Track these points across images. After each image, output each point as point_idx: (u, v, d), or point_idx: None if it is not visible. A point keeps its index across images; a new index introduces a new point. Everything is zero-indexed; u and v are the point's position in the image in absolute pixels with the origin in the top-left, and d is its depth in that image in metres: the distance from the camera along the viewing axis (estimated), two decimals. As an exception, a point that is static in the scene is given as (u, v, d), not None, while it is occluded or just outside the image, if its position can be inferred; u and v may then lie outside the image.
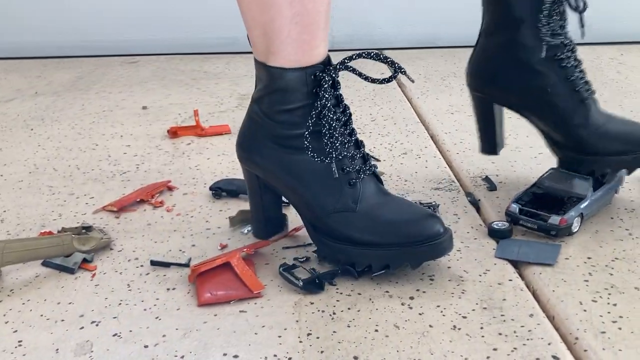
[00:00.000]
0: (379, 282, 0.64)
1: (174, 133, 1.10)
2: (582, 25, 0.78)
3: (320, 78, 0.64)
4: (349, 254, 0.64)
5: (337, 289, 0.64)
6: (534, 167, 0.90)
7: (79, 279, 0.67)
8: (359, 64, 0.67)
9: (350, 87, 1.41)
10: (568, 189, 0.74)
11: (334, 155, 0.65)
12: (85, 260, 0.69)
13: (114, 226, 0.78)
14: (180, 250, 0.71)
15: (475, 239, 0.72)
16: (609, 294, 0.61)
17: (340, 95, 0.67)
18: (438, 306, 0.60)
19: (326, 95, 0.64)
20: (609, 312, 0.58)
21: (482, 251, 0.69)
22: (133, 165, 0.98)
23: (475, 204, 0.82)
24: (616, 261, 0.66)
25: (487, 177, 0.88)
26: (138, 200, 0.84)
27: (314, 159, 0.65)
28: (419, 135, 1.09)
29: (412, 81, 0.67)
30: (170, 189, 0.88)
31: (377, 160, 0.98)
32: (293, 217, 0.77)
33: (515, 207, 0.73)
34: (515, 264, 0.67)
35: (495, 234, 0.72)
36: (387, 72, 1.45)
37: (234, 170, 0.94)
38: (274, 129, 0.67)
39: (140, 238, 0.75)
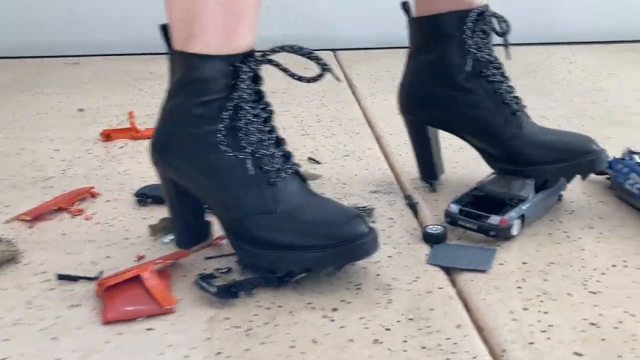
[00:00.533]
0: (302, 293, 0.60)
1: (107, 136, 1.05)
2: (506, 47, 0.78)
3: (240, 69, 0.60)
4: (268, 258, 0.60)
5: (258, 301, 0.59)
6: (475, 168, 0.88)
7: (-23, 295, 0.61)
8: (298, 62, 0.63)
9: (298, 87, 1.37)
10: (509, 191, 0.72)
11: (249, 151, 0.61)
12: (-15, 276, 0.63)
13: (25, 237, 0.72)
14: (92, 263, 0.66)
15: (409, 244, 0.69)
16: (541, 301, 0.58)
17: (262, 91, 0.64)
18: (361, 318, 0.56)
19: (244, 87, 0.60)
20: (539, 321, 0.55)
21: (415, 257, 0.66)
22: (59, 170, 0.92)
23: (413, 207, 0.78)
24: (551, 266, 0.63)
25: (427, 179, 0.85)
26: (56, 208, 0.78)
27: (228, 154, 0.61)
28: (364, 136, 1.05)
29: (339, 80, 0.63)
30: (93, 195, 0.83)
31: (317, 162, 0.94)
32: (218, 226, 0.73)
33: (454, 208, 0.70)
34: (448, 271, 0.64)
35: (429, 238, 0.69)
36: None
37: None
38: (188, 125, 0.62)
39: (51, 250, 0.69)
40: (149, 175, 0.89)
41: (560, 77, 1.42)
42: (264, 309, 0.58)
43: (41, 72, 1.51)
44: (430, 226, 0.70)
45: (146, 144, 1.03)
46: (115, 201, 0.81)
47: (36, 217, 0.76)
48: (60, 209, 0.78)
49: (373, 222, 0.74)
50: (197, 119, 0.62)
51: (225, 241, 0.69)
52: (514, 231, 0.68)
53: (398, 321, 0.56)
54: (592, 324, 0.54)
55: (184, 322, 0.56)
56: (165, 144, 0.64)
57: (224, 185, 0.62)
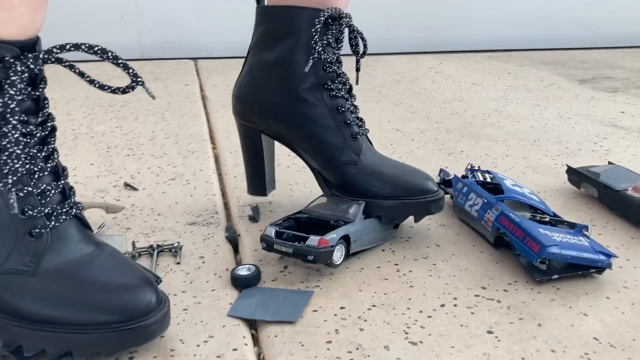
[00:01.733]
0: (52, 370, 0.47)
1: None
2: (357, 69, 0.70)
3: (10, 65, 0.45)
4: (13, 333, 0.46)
5: (-10, 386, 0.45)
6: (315, 190, 0.78)
7: None
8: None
9: (142, 99, 1.22)
10: (335, 212, 0.62)
11: (9, 184, 0.45)
12: None
13: None
14: None
15: (214, 290, 0.57)
16: (352, 358, 0.48)
17: (41, 98, 0.48)
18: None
19: (13, 92, 0.45)
20: (343, 390, 0.45)
21: (215, 308, 0.54)
22: None
23: (234, 240, 0.67)
24: (372, 310, 0.54)
25: (256, 205, 0.74)
26: None
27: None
28: (200, 155, 0.93)
29: (153, 97, 0.50)
30: None
31: (134, 189, 0.80)
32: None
33: (270, 230, 0.59)
34: (254, 323, 0.53)
35: (237, 281, 0.57)
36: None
37: None
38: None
39: None
40: None
41: (423, 88, 1.37)
42: (-6, 399, 0.44)
43: None
44: (241, 267, 0.58)
45: None
46: None
47: None
48: None
49: (178, 262, 0.62)
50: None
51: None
52: (337, 258, 0.58)
53: (168, 405, 0.43)
54: (406, 389, 0.45)
55: None
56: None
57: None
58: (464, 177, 0.73)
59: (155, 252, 0.63)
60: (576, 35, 1.91)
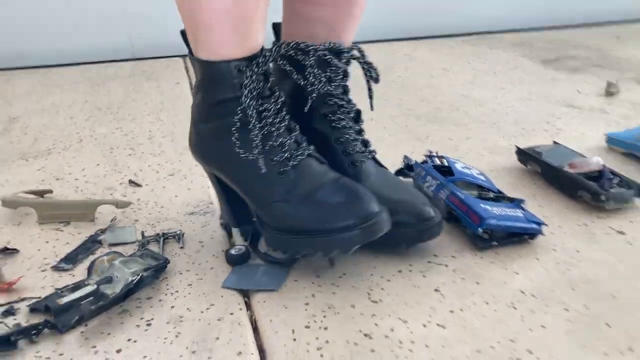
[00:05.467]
0: (87, 337, 0.58)
1: None
2: (370, 96, 0.76)
3: (244, 72, 0.63)
4: (291, 243, 0.63)
5: (38, 351, 0.57)
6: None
7: None
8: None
9: (136, 100, 1.33)
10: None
11: (258, 150, 0.64)
12: None
13: None
14: None
15: (212, 268, 0.69)
16: (324, 316, 0.60)
17: (272, 87, 0.66)
18: (145, 356, 0.55)
19: (250, 89, 0.63)
20: (317, 338, 0.57)
21: (214, 282, 0.66)
22: None
23: (227, 227, 0.78)
24: (343, 277, 0.66)
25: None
26: None
27: (241, 156, 0.64)
28: (194, 151, 1.04)
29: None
30: None
31: (138, 185, 0.91)
32: (14, 268, 0.69)
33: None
34: (247, 293, 0.65)
35: (231, 260, 0.69)
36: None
37: (-34, 213, 0.83)
38: (207, 124, 0.68)
39: None
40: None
41: (397, 75, 1.48)
42: (43, 359, 0.56)
43: None
44: (234, 247, 0.70)
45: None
46: None
47: None
48: None
49: (181, 247, 0.73)
50: (212, 121, 0.67)
51: (17, 285, 0.66)
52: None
53: (181, 356, 0.55)
54: (366, 335, 0.57)
55: (-51, 386, 0.53)
56: (195, 145, 0.70)
57: (242, 181, 0.67)
58: (423, 162, 0.84)
59: (162, 239, 0.74)
60: (544, 14, 2.01)
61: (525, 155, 0.90)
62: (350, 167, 0.72)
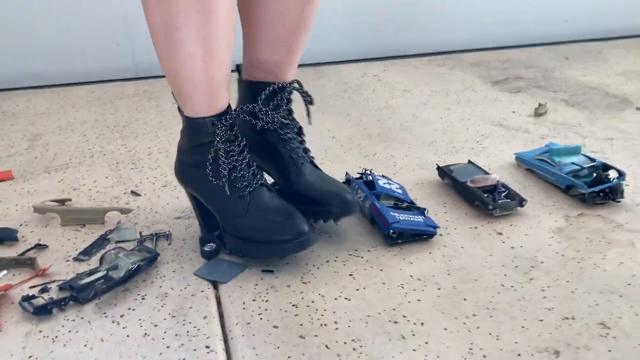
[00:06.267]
0: (101, 307, 0.83)
1: (-39, 182, 1.21)
2: (308, 114, 1.01)
3: (216, 125, 0.87)
4: (243, 248, 0.90)
5: (66, 315, 0.81)
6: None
7: None
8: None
9: (139, 119, 1.57)
10: None
11: (225, 178, 0.88)
12: None
13: None
14: (-63, 300, 0.85)
15: (190, 259, 0.93)
16: (267, 293, 0.84)
17: (236, 134, 0.90)
18: (140, 319, 0.80)
19: (221, 136, 0.87)
20: (259, 307, 0.81)
21: (191, 270, 0.91)
22: None
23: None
24: (285, 266, 0.90)
25: (221, 203, 1.10)
26: None
27: (213, 182, 0.89)
28: (184, 166, 1.29)
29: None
30: (-60, 242, 1.00)
31: (138, 195, 1.16)
32: (45, 259, 0.94)
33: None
34: (215, 277, 0.89)
35: (204, 254, 0.93)
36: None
37: (6, 217, 1.08)
38: (189, 160, 0.92)
39: None
40: (-9, 219, 1.07)
41: (363, 97, 1.71)
42: (70, 321, 0.80)
43: None
44: (207, 245, 0.94)
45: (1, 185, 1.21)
46: (-40, 245, 0.99)
47: None
48: None
49: (169, 244, 0.98)
50: (192, 157, 0.91)
51: (49, 271, 0.90)
52: None
53: (165, 319, 0.80)
54: (294, 305, 0.82)
55: (6, 338, 0.77)
56: (179, 172, 0.95)
57: (212, 201, 0.91)
58: (358, 178, 1.08)
59: (155, 237, 0.99)
60: (505, 33, 2.23)
61: (442, 172, 1.14)
62: (293, 167, 0.98)
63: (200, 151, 0.89)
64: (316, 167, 1.01)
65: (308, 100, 1.01)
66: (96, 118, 1.59)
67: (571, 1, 2.23)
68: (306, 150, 1.01)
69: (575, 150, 1.14)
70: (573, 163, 1.10)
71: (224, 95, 0.88)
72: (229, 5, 0.82)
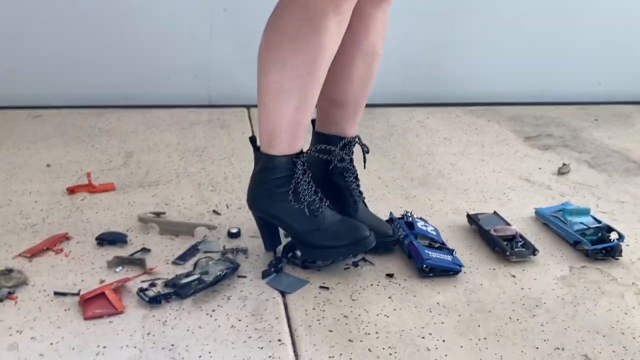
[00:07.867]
0: (196, 302, 1.08)
1: (71, 191, 1.48)
2: (364, 160, 1.28)
3: (296, 162, 1.12)
4: (319, 254, 1.16)
5: (171, 306, 1.07)
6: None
7: (6, 305, 1.05)
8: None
9: (215, 145, 1.84)
10: None
11: (305, 202, 1.13)
12: (9, 293, 1.07)
13: (28, 268, 1.16)
14: (73, 284, 1.12)
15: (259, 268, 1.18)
16: (324, 304, 1.08)
17: (307, 168, 1.14)
18: (227, 314, 1.05)
19: (300, 170, 1.12)
20: (318, 315, 1.05)
21: (265, 280, 1.15)
22: (40, 218, 1.36)
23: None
24: (338, 284, 1.14)
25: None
26: (45, 248, 1.22)
27: (295, 206, 1.14)
28: (254, 192, 1.54)
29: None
30: (67, 238, 1.27)
31: (219, 214, 1.41)
32: (150, 260, 1.19)
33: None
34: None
35: (263, 275, 1.18)
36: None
37: (115, 222, 1.35)
38: (266, 190, 1.15)
39: (46, 276, 1.14)
40: (104, 224, 1.34)
41: (407, 141, 1.94)
42: (174, 310, 1.06)
43: (8, 125, 1.90)
44: (272, 262, 1.19)
45: (101, 197, 1.48)
46: (83, 243, 1.26)
47: (33, 254, 1.20)
48: (47, 249, 1.22)
49: (246, 257, 1.23)
50: (272, 187, 1.14)
51: (155, 270, 1.16)
52: None
53: (246, 316, 1.04)
54: (344, 316, 1.05)
55: (129, 318, 1.03)
56: (254, 199, 1.17)
57: (290, 221, 1.14)
58: (400, 218, 1.32)
59: (235, 251, 1.24)
60: (541, 90, 2.41)
61: (470, 219, 1.37)
62: (352, 204, 1.25)
63: (279, 182, 1.14)
64: (365, 205, 1.26)
65: (365, 150, 1.26)
66: (178, 142, 1.86)
67: (606, 63, 2.41)
68: (361, 192, 1.26)
69: (585, 212, 1.35)
70: (582, 223, 1.32)
71: (304, 135, 1.14)
72: (326, 70, 1.08)
